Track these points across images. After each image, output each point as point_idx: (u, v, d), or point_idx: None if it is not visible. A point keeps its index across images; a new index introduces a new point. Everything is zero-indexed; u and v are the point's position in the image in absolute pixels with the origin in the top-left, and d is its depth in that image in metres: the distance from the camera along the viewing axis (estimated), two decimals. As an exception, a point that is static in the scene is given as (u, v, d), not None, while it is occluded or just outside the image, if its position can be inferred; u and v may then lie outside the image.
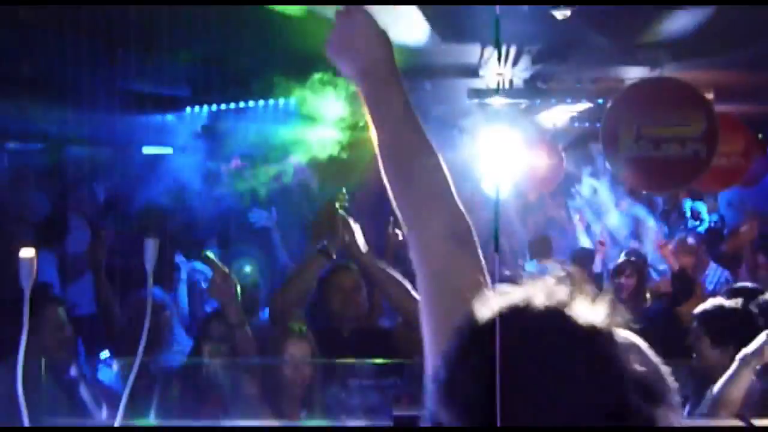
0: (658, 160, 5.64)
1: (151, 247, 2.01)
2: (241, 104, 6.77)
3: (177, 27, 4.45)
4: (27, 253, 1.82)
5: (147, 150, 7.29)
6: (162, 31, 4.45)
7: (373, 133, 1.41)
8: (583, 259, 5.94)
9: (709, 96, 6.07)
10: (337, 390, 2.82)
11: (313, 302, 3.58)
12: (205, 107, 6.90)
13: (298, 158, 9.47)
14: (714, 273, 5.98)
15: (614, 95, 5.96)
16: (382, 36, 1.48)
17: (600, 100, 6.36)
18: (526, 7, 4.10)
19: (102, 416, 2.49)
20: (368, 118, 1.42)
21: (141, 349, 1.95)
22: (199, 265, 4.93)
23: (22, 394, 1.90)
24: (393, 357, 2.96)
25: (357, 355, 3.03)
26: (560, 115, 7.65)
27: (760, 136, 9.14)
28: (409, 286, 3.06)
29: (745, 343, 2.85)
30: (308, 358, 2.92)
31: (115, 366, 2.74)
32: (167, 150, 7.33)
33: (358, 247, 3.35)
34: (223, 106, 6.86)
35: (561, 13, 3.92)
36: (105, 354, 4.18)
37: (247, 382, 2.87)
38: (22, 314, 1.87)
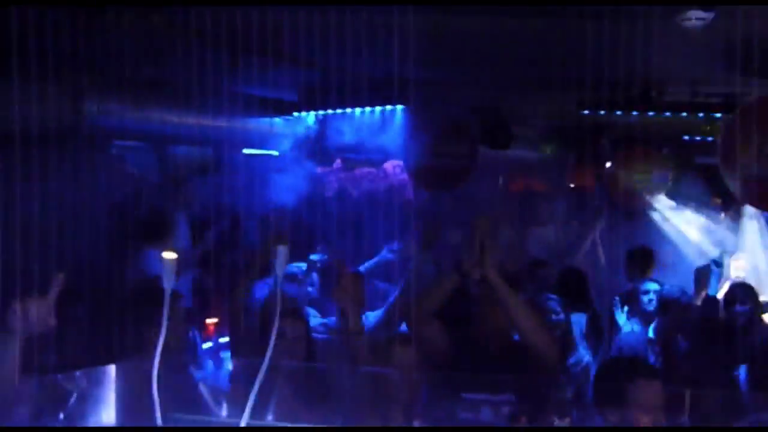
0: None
1: (282, 254, 2.06)
2: (347, 110, 6.86)
3: (293, 32, 4.55)
4: (169, 255, 1.89)
5: (251, 151, 7.47)
6: (277, 36, 4.56)
7: None
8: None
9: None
10: (449, 402, 2.81)
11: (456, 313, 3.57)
12: (312, 112, 7.02)
13: (393, 164, 9.56)
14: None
15: (734, 110, 5.74)
16: None
17: (717, 114, 6.14)
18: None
19: (222, 414, 2.57)
20: None
21: (270, 348, 1.99)
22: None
23: (156, 391, 1.97)
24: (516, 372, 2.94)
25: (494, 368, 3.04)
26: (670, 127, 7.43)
27: None
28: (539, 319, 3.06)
29: None
30: (414, 366, 2.93)
31: (229, 364, 2.81)
32: (272, 152, 7.50)
33: (494, 272, 3.26)
34: (329, 111, 6.97)
35: (696, 19, 3.66)
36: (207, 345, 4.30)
37: (356, 387, 2.89)
38: (156, 313, 1.95)
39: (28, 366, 2.15)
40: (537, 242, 8.60)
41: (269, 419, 2.62)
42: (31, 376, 2.12)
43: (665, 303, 4.95)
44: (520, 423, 2.18)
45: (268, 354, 1.98)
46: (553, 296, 4.83)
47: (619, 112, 6.36)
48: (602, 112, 6.46)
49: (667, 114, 6.26)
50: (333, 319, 4.84)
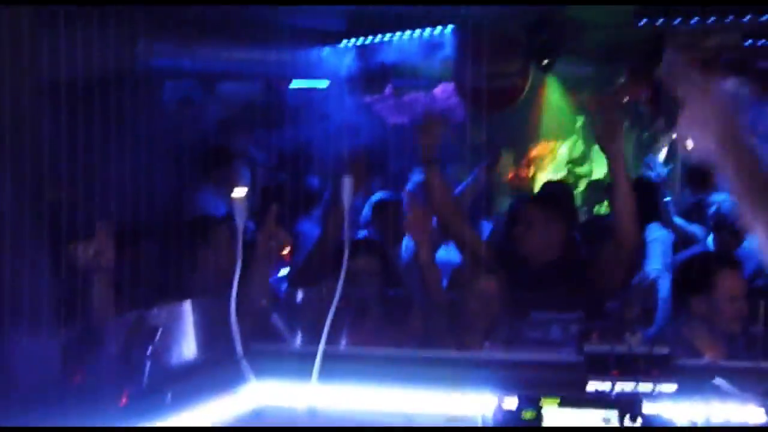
0: None
1: (348, 184, 2.07)
2: (395, 35, 6.75)
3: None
4: (240, 191, 1.92)
5: (299, 84, 7.44)
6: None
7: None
8: None
9: None
10: (519, 323, 2.84)
11: (502, 234, 3.60)
12: (360, 39, 6.92)
13: (443, 87, 9.43)
14: None
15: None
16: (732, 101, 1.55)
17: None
18: None
19: (297, 342, 2.64)
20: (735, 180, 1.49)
21: (342, 277, 2.03)
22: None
23: (236, 322, 2.04)
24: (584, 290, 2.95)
25: (548, 288, 3.05)
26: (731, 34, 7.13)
27: None
28: None
29: None
30: (495, 295, 2.95)
31: (301, 293, 2.87)
32: (321, 83, 7.46)
33: None
34: (377, 39, 6.86)
35: None
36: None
37: (435, 314, 2.95)
38: (236, 250, 1.99)
39: (119, 304, 2.25)
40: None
41: (342, 345, 2.69)
42: (120, 314, 2.22)
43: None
44: (591, 340, 2.20)
45: (340, 284, 2.01)
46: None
47: (677, 20, 6.11)
48: (660, 21, 6.23)
49: (729, 19, 5.99)
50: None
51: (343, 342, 2.71)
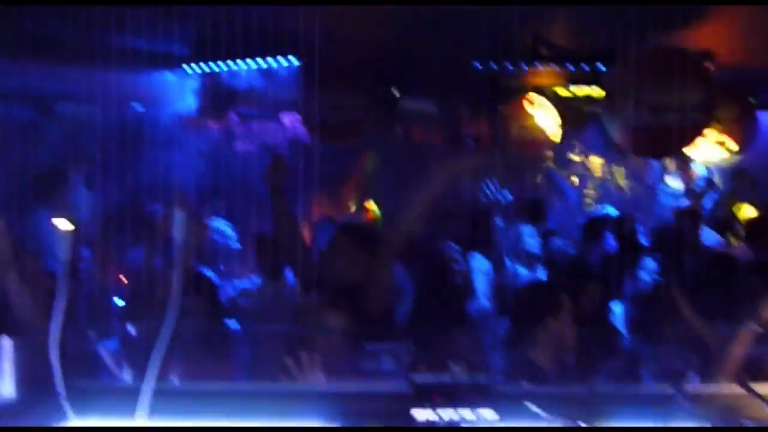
0: (657, 128, 5.69)
1: (180, 219, 2.04)
2: (240, 63, 6.72)
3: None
4: (64, 224, 1.85)
5: (139, 107, 7.24)
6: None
7: None
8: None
9: (709, 64, 6.10)
10: (352, 354, 2.88)
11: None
12: (202, 65, 6.84)
13: (292, 116, 9.47)
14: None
15: (615, 62, 5.98)
16: None
17: (601, 66, 6.38)
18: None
19: (125, 376, 2.55)
20: None
21: (169, 318, 1.99)
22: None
23: (56, 358, 1.95)
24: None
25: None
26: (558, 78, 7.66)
27: (753, 100, 9.20)
28: None
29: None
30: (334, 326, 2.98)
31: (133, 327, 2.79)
32: (162, 107, 7.30)
33: None
34: (221, 65, 6.81)
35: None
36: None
37: (265, 345, 2.93)
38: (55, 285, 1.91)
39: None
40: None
41: (174, 381, 2.63)
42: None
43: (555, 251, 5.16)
44: (419, 371, 2.28)
45: (168, 319, 1.97)
46: (455, 245, 4.98)
47: (509, 64, 6.51)
48: (493, 64, 6.60)
49: (554, 65, 6.46)
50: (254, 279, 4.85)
51: (173, 377, 2.65)
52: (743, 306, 3.10)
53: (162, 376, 2.23)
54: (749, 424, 2.17)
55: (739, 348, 2.88)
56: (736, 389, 2.27)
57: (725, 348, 2.85)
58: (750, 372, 2.81)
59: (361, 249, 3.44)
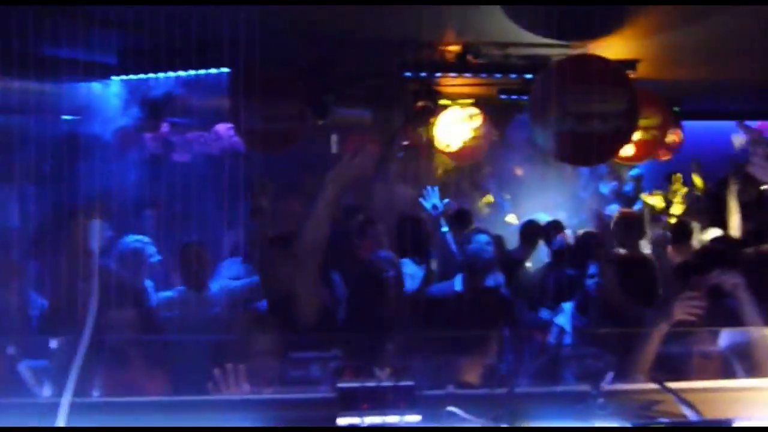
0: (583, 135, 5.83)
1: (96, 228, 2.02)
2: (170, 74, 6.64)
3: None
4: None
5: (69, 118, 7.09)
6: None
7: None
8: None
9: (631, 73, 6.29)
10: (281, 363, 2.87)
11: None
12: (133, 76, 6.73)
13: (225, 126, 9.40)
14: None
15: (542, 71, 6.11)
16: None
17: (528, 75, 6.51)
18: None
19: (44, 393, 2.49)
20: None
21: (89, 327, 1.96)
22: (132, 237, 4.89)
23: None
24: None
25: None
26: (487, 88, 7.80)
27: (676, 109, 9.53)
28: None
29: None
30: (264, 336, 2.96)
31: (55, 343, 2.72)
32: (92, 118, 7.15)
33: None
34: (151, 75, 6.71)
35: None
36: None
37: (194, 356, 2.90)
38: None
39: None
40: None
41: (95, 395, 2.58)
42: None
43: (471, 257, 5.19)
44: (345, 377, 2.29)
45: (87, 332, 1.94)
46: (385, 252, 5.01)
47: (438, 74, 6.60)
48: (423, 74, 6.67)
49: (483, 75, 6.57)
50: (179, 290, 4.78)
51: (98, 392, 2.60)
52: (656, 306, 3.22)
53: (83, 390, 2.19)
54: (665, 421, 2.24)
55: (652, 347, 2.98)
56: (652, 387, 2.35)
57: (640, 347, 2.95)
58: (666, 370, 2.91)
59: (283, 258, 3.44)
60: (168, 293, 4.76)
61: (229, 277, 5.18)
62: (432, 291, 4.77)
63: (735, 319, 3.06)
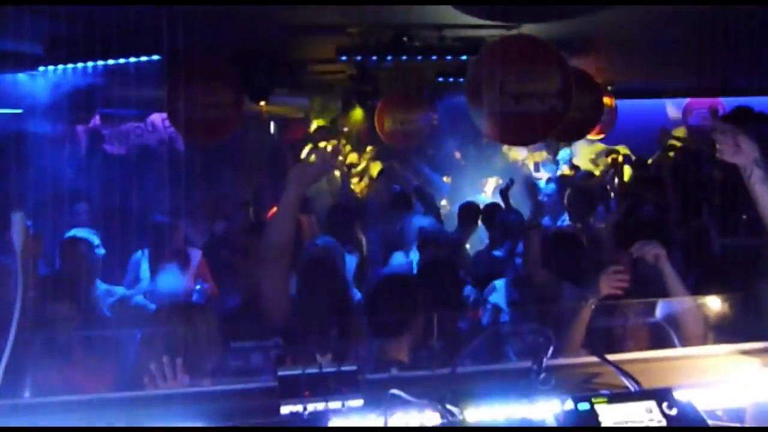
0: (519, 115, 5.87)
1: (18, 221, 1.92)
2: (101, 62, 6.45)
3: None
4: None
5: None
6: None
7: None
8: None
9: (564, 54, 6.35)
10: (221, 353, 2.82)
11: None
12: (61, 66, 6.51)
13: (159, 117, 9.21)
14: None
15: (477, 52, 6.12)
16: None
17: (463, 57, 6.52)
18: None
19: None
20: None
21: (14, 325, 1.87)
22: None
23: None
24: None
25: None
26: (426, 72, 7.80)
27: (609, 88, 9.70)
28: None
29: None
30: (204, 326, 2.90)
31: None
32: (17, 111, 6.91)
33: None
34: (80, 64, 6.51)
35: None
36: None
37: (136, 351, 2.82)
38: None
39: None
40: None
41: (26, 394, 2.48)
42: None
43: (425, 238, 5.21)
44: (286, 364, 2.24)
45: (12, 330, 1.85)
46: (325, 238, 4.98)
47: (374, 58, 6.56)
48: (359, 58, 6.62)
49: (419, 58, 6.56)
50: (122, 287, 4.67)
51: (28, 389, 2.50)
52: (585, 281, 3.26)
53: (14, 389, 2.11)
54: (605, 392, 2.26)
55: (582, 322, 3.03)
56: (593, 360, 2.36)
57: (570, 322, 2.99)
58: (605, 343, 2.95)
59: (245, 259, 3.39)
60: (111, 288, 4.61)
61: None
62: (385, 271, 4.76)
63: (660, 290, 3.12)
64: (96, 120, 8.08)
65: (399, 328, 2.97)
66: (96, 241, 4.87)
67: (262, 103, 7.68)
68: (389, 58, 6.44)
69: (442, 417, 2.15)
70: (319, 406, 2.18)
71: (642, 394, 2.15)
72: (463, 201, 6.66)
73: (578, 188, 6.15)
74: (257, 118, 8.88)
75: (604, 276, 3.07)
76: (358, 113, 9.36)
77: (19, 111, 6.73)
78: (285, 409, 2.18)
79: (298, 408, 2.18)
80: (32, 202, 4.73)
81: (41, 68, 6.46)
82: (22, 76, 6.50)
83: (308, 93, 9.44)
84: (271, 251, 3.08)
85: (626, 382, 2.21)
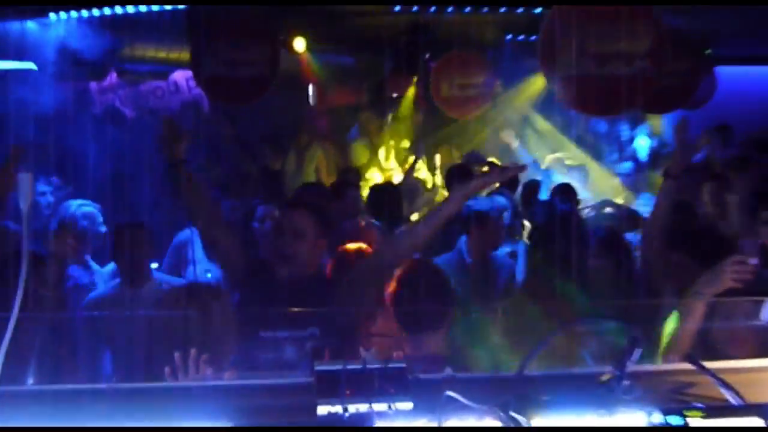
0: (602, 79, 5.77)
1: (25, 182, 1.93)
2: (119, 9, 6.51)
3: None
4: None
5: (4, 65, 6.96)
6: None
7: None
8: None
9: (656, 9, 6.21)
10: (248, 343, 2.82)
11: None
12: (74, 12, 6.60)
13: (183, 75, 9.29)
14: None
15: (553, 6, 6.02)
16: None
17: (537, 9, 6.43)
18: None
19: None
20: None
21: (18, 299, 1.89)
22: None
23: None
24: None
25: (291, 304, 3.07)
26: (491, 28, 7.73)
27: (709, 51, 9.48)
28: None
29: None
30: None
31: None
32: (26, 65, 7.03)
33: None
34: (96, 11, 6.58)
35: None
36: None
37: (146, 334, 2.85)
38: None
39: None
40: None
41: (29, 381, 2.53)
42: None
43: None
44: (323, 357, 2.24)
45: (14, 310, 1.87)
46: (371, 219, 4.99)
47: (432, 9, 6.50)
48: (415, 9, 6.57)
49: (485, 10, 6.48)
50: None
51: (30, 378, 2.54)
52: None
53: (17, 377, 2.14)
54: (700, 405, 2.22)
55: (696, 320, 2.95)
56: (686, 367, 2.32)
57: (685, 321, 2.92)
58: (700, 348, 2.88)
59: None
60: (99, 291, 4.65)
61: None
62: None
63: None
64: (112, 77, 8.17)
65: (436, 320, 2.97)
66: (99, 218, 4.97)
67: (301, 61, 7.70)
68: (450, 9, 6.37)
69: (505, 425, 2.13)
70: (362, 407, 2.18)
71: (745, 409, 2.11)
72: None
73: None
74: (295, 79, 8.90)
75: (727, 265, 2.96)
76: (409, 75, 9.31)
77: (28, 65, 6.84)
78: (322, 410, 2.18)
79: (338, 409, 2.18)
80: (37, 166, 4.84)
81: (52, 16, 6.55)
82: (31, 25, 6.60)
83: (353, 51, 9.41)
84: (403, 255, 3.32)
85: (726, 395, 2.17)
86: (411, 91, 9.54)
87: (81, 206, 5.01)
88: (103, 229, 5.05)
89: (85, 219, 4.97)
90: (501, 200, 5.45)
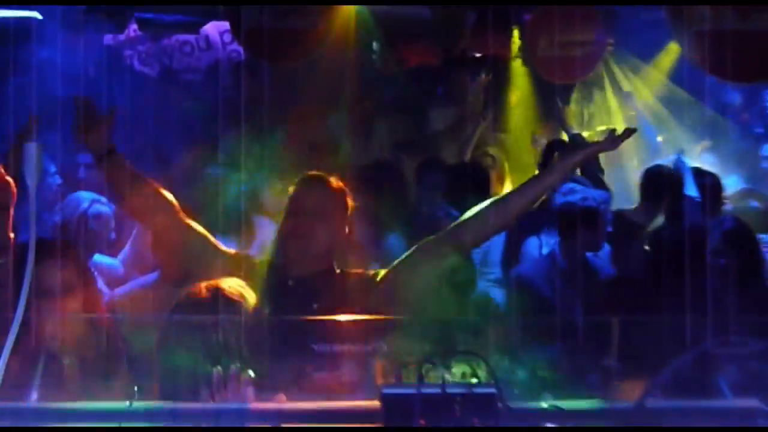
0: (744, 37, 5.70)
1: (31, 153, 1.96)
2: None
3: None
4: None
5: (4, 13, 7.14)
6: None
7: None
8: None
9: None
10: (296, 356, 2.85)
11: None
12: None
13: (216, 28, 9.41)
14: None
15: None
16: None
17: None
18: None
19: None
20: None
21: (25, 289, 1.93)
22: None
23: None
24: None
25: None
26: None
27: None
28: None
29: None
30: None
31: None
32: (33, 14, 7.21)
33: None
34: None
35: None
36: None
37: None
38: None
39: None
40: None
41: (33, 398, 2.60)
42: None
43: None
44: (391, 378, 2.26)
45: (21, 303, 1.92)
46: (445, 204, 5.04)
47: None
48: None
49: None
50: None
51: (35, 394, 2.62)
52: None
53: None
54: None
55: None
56: None
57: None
58: None
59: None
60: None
61: None
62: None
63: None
64: (132, 29, 8.30)
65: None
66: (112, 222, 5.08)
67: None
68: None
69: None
70: (439, 438, 2.19)
71: None
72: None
73: None
74: (352, 35, 8.94)
75: None
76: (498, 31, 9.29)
77: (34, 14, 7.00)
78: (388, 440, 2.20)
79: (409, 438, 2.20)
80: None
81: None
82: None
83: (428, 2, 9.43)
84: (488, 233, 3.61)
85: None
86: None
87: (94, 203, 5.08)
88: (113, 236, 5.14)
89: (96, 220, 5.06)
90: (597, 192, 5.40)
